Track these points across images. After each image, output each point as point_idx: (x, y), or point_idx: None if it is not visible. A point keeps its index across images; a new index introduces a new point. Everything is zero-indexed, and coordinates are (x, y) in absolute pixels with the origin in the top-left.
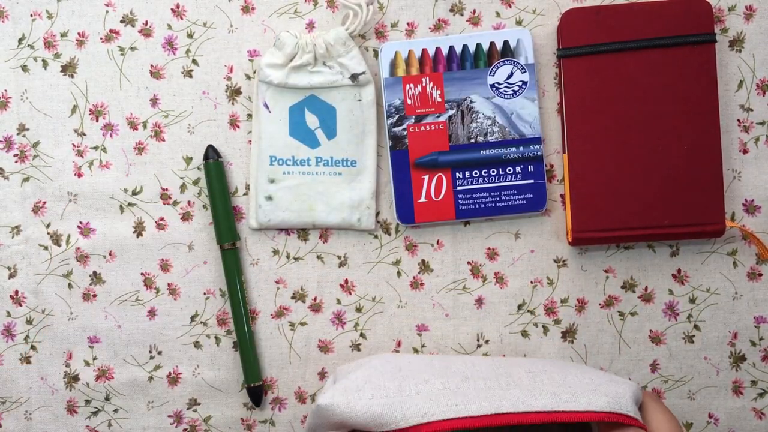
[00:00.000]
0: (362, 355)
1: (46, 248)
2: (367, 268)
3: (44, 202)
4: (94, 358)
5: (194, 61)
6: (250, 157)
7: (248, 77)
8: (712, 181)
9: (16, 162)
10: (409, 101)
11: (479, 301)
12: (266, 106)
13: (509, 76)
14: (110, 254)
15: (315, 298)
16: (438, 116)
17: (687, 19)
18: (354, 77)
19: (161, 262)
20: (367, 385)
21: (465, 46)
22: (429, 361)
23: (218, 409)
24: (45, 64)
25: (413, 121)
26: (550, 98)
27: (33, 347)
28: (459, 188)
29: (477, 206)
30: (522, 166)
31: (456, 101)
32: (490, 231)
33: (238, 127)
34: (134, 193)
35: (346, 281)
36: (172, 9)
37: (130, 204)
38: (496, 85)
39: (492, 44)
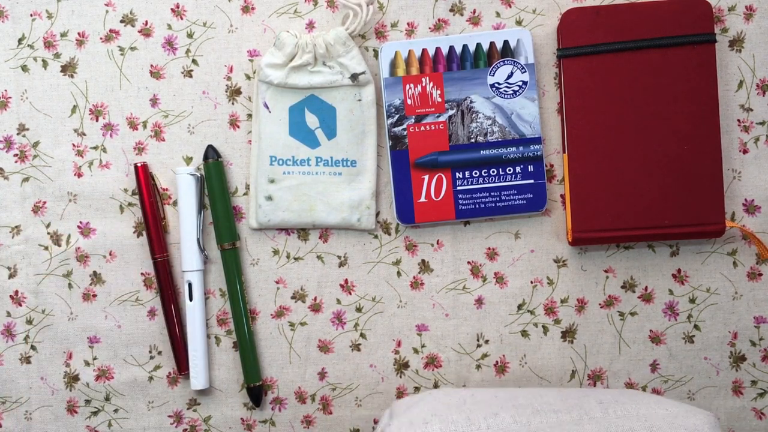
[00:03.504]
0: (362, 355)
1: (46, 248)
2: (367, 268)
3: (44, 202)
4: (94, 358)
5: (194, 61)
6: (250, 157)
7: (248, 77)
8: (712, 181)
9: (16, 162)
10: (409, 101)
11: (479, 301)
12: (266, 106)
13: (509, 76)
14: (110, 254)
15: (315, 298)
16: (438, 116)
17: (687, 19)
18: (354, 77)
19: None
20: (434, 418)
21: (465, 46)
22: (494, 393)
23: (218, 409)
24: (45, 64)
25: (413, 121)
26: (550, 98)
27: (33, 347)
28: (459, 188)
29: (477, 206)
30: (522, 166)
31: (456, 101)
32: (490, 231)
33: (238, 127)
34: (134, 193)
35: (346, 281)
36: (172, 9)
37: (130, 204)
38: (496, 85)
39: (492, 44)
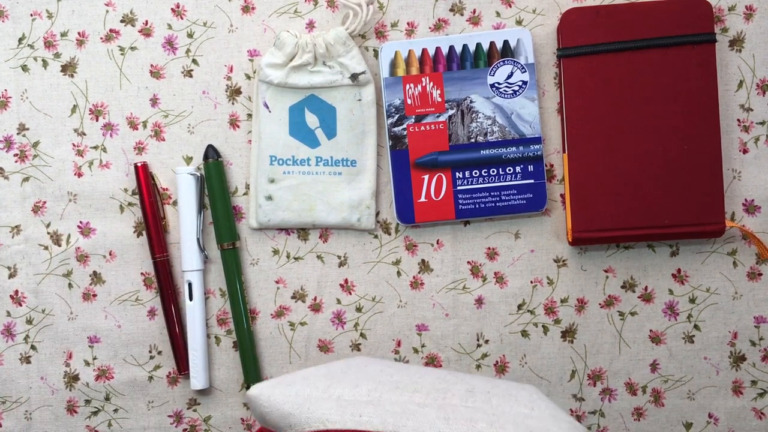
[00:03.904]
0: (362, 354)
1: (46, 248)
2: (367, 267)
3: (44, 202)
4: (94, 358)
5: (194, 61)
6: (250, 157)
7: (248, 77)
8: (712, 181)
9: (16, 162)
10: (409, 101)
11: (479, 301)
12: (266, 105)
13: (509, 76)
14: (110, 254)
15: (315, 298)
16: (438, 116)
17: (687, 19)
18: (354, 77)
19: None
20: (299, 381)
21: (465, 46)
22: (385, 367)
23: (218, 409)
24: (45, 63)
25: (413, 120)
26: (550, 98)
27: (33, 347)
28: (459, 188)
29: (477, 206)
30: (522, 166)
31: (456, 101)
32: (490, 231)
33: (238, 126)
34: (134, 193)
35: (346, 281)
36: (172, 9)
37: (130, 204)
38: (496, 84)
39: (492, 44)
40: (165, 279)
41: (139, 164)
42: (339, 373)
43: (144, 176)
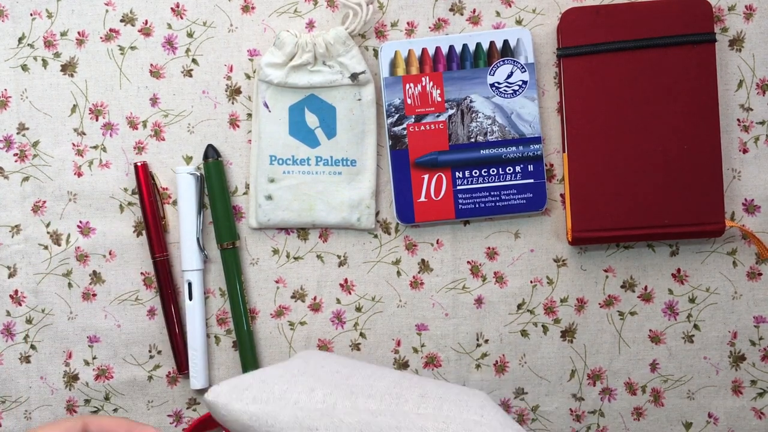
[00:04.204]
0: (362, 354)
1: (46, 248)
2: (366, 267)
3: (44, 202)
4: (94, 358)
5: (194, 61)
6: (250, 157)
7: (248, 77)
8: (712, 180)
9: (16, 161)
10: (408, 101)
11: (479, 301)
12: (266, 105)
13: (509, 76)
14: (110, 254)
15: (315, 298)
16: (438, 116)
17: (687, 18)
18: (354, 76)
19: None
20: (256, 384)
21: (465, 46)
22: (340, 366)
23: None
24: (45, 63)
25: (413, 120)
26: (550, 98)
27: (33, 347)
28: (459, 188)
29: (477, 206)
30: (522, 166)
31: (456, 101)
32: (490, 230)
33: (238, 126)
34: (134, 192)
35: (346, 281)
36: (172, 8)
37: (130, 203)
38: (496, 84)
39: (492, 44)
40: (165, 279)
41: (139, 164)
42: (296, 373)
43: (144, 176)
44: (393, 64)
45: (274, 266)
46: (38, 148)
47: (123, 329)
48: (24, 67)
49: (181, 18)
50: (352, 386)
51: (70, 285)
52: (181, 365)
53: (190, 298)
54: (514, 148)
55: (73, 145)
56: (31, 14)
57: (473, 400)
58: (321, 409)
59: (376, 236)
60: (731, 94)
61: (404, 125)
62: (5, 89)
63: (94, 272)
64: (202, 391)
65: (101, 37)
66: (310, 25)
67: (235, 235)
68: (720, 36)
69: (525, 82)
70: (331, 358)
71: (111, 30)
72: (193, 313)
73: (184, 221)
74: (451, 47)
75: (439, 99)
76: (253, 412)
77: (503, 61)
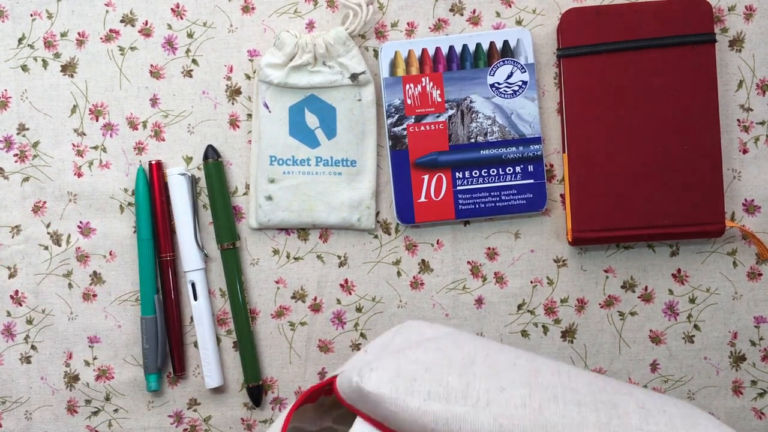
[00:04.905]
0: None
1: (46, 248)
2: (367, 268)
3: (44, 202)
4: (94, 358)
5: (194, 61)
6: (250, 157)
7: (248, 77)
8: (712, 181)
9: (16, 162)
10: (409, 101)
11: (479, 301)
12: (266, 105)
13: (509, 76)
14: (110, 254)
15: (315, 298)
16: (438, 116)
17: (687, 19)
18: (354, 77)
19: None
20: (426, 374)
21: (465, 46)
22: (513, 358)
23: (218, 409)
24: (45, 63)
25: (413, 120)
26: (550, 98)
27: (33, 347)
28: (459, 188)
29: (477, 206)
30: (522, 166)
31: (456, 101)
32: (490, 231)
33: (238, 127)
34: (134, 192)
35: (346, 281)
36: (172, 9)
37: (130, 204)
38: (496, 84)
39: (492, 44)
40: (167, 279)
41: (153, 162)
42: (461, 361)
43: (157, 175)
44: (393, 65)
45: (275, 266)
46: (38, 149)
47: (123, 330)
48: (24, 68)
49: (181, 18)
50: (544, 386)
51: (70, 285)
52: (177, 367)
53: (195, 299)
54: (514, 149)
55: (73, 145)
56: (31, 15)
57: (700, 417)
58: (526, 415)
59: (376, 236)
60: (731, 95)
61: (404, 125)
62: (5, 90)
63: (95, 273)
64: (202, 392)
65: (101, 38)
66: (310, 25)
67: (235, 235)
68: (720, 36)
69: (525, 83)
70: (475, 339)
71: (111, 30)
72: (200, 312)
73: (180, 222)
74: (451, 47)
75: (439, 99)
76: (438, 414)
77: (503, 61)
